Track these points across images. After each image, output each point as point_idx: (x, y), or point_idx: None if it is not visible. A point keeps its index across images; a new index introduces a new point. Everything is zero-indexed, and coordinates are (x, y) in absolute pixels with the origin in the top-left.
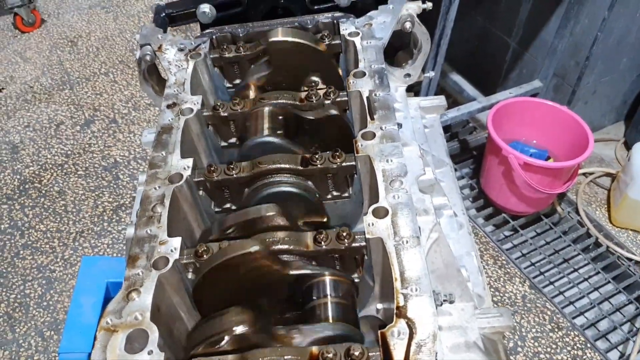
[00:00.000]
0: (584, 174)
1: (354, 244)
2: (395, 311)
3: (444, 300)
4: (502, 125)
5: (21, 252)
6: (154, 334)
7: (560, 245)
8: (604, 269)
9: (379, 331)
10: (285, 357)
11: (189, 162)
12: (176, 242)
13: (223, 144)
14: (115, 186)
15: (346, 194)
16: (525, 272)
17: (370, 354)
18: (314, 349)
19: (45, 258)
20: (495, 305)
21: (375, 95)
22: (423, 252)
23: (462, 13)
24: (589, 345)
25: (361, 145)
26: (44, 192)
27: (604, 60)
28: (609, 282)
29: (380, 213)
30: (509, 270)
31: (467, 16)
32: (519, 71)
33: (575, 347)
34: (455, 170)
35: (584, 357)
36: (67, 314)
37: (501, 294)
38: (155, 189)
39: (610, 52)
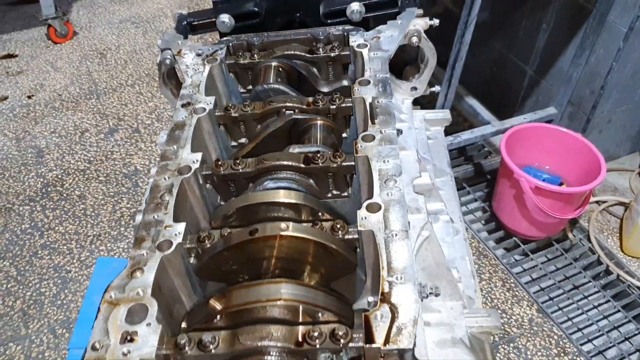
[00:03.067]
0: (597, 202)
1: (347, 236)
2: (380, 297)
3: (430, 293)
4: (516, 150)
5: (39, 251)
6: (153, 307)
7: (570, 272)
8: (613, 297)
9: (363, 314)
10: (275, 335)
11: (198, 156)
12: (180, 227)
13: (233, 143)
14: (134, 193)
15: (345, 194)
16: (533, 296)
17: (353, 335)
18: (302, 328)
19: (62, 259)
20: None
21: (377, 101)
22: (410, 245)
23: (480, 39)
24: None
25: (361, 146)
26: (65, 195)
27: (620, 90)
28: (618, 310)
29: (374, 208)
30: (517, 293)
31: (485, 42)
32: (535, 98)
33: None
34: (469, 193)
35: None
36: (79, 312)
37: (508, 316)
38: (165, 179)
39: (626, 82)
